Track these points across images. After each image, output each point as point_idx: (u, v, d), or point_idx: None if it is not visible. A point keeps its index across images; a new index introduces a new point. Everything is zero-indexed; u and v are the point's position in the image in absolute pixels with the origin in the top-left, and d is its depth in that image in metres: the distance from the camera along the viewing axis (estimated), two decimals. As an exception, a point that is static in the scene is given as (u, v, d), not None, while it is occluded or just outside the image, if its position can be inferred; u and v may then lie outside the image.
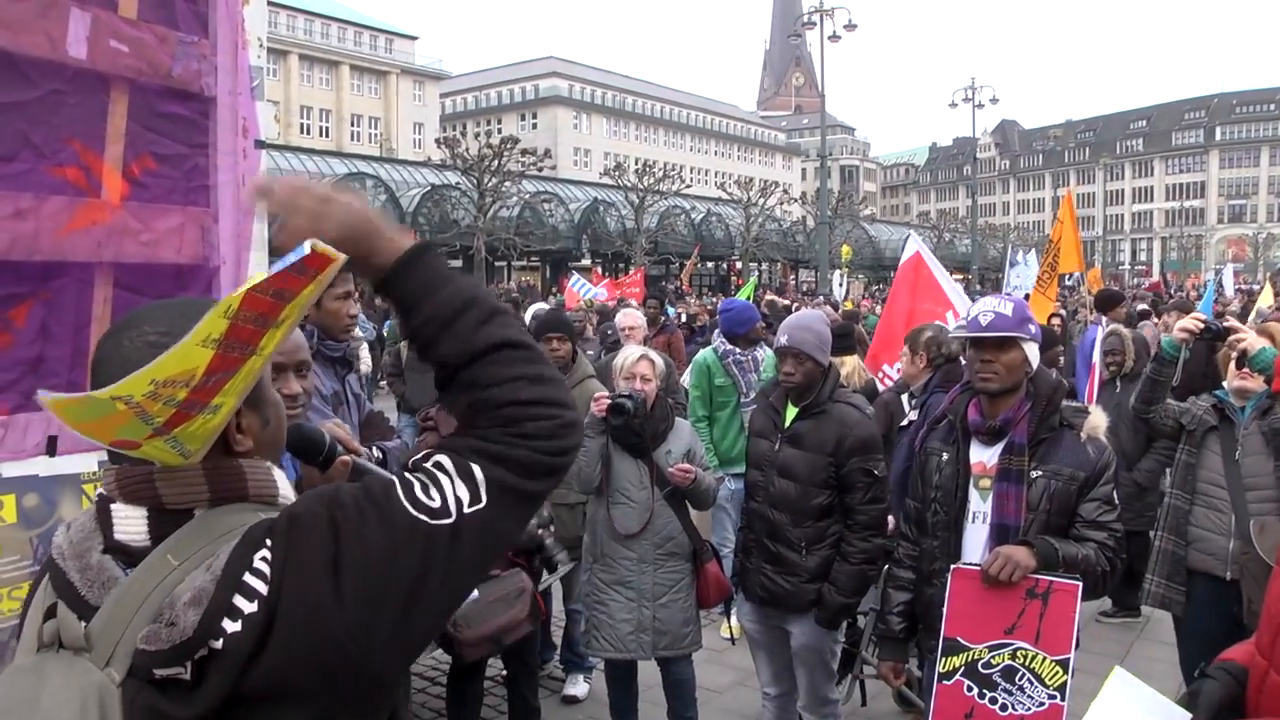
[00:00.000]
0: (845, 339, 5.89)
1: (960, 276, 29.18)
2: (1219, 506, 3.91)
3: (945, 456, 3.27)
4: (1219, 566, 3.89)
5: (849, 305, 17.42)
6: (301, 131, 57.23)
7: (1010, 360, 3.10)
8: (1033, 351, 3.16)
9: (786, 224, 53.82)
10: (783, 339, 3.79)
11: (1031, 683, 2.88)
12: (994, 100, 43.43)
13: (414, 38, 67.60)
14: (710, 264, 49.76)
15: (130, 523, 1.15)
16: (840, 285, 28.36)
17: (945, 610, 3.02)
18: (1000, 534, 3.08)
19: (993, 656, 2.93)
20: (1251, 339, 3.66)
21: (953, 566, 3.07)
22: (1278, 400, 3.79)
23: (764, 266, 50.50)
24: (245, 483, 1.20)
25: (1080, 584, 2.89)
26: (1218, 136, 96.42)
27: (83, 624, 1.08)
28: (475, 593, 2.56)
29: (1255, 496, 3.80)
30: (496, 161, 33.31)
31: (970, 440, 3.22)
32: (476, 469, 1.15)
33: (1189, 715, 2.16)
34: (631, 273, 22.75)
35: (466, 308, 1.22)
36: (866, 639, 4.63)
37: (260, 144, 2.85)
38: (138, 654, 1.04)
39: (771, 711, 4.11)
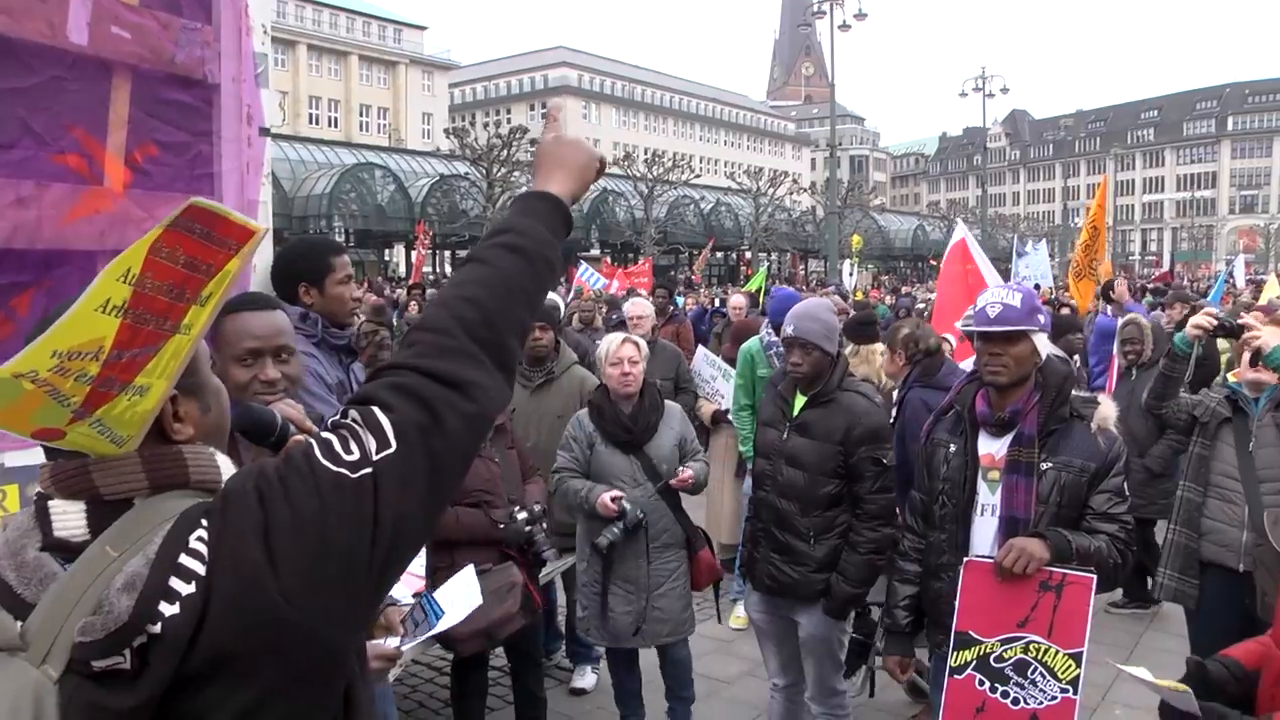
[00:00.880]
0: (868, 327, 5.73)
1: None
2: (1232, 498, 3.87)
3: (953, 448, 3.23)
4: (1232, 558, 3.86)
5: (859, 296, 17.33)
6: (310, 122, 57.20)
7: (1019, 353, 3.05)
8: (1042, 342, 3.11)
9: (796, 214, 53.71)
10: (789, 329, 3.75)
11: (1044, 676, 2.85)
12: (1004, 90, 43.33)
13: (423, 28, 67.56)
14: (720, 254, 49.67)
15: (68, 517, 1.12)
16: (850, 275, 28.28)
17: (957, 604, 2.99)
18: (1010, 527, 3.04)
19: (1005, 650, 2.90)
20: (1266, 336, 3.61)
21: (965, 559, 3.03)
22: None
23: (773, 257, 50.38)
24: (186, 469, 1.17)
25: (1095, 577, 2.86)
26: (1230, 126, 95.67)
27: (19, 624, 1.05)
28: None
29: (1269, 488, 3.77)
30: (505, 151, 33.29)
31: (978, 432, 3.19)
32: (382, 415, 1.13)
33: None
34: (640, 262, 22.71)
35: None
36: (881, 631, 4.60)
37: (265, 131, 2.84)
38: (75, 647, 1.01)
39: (779, 702, 4.09)
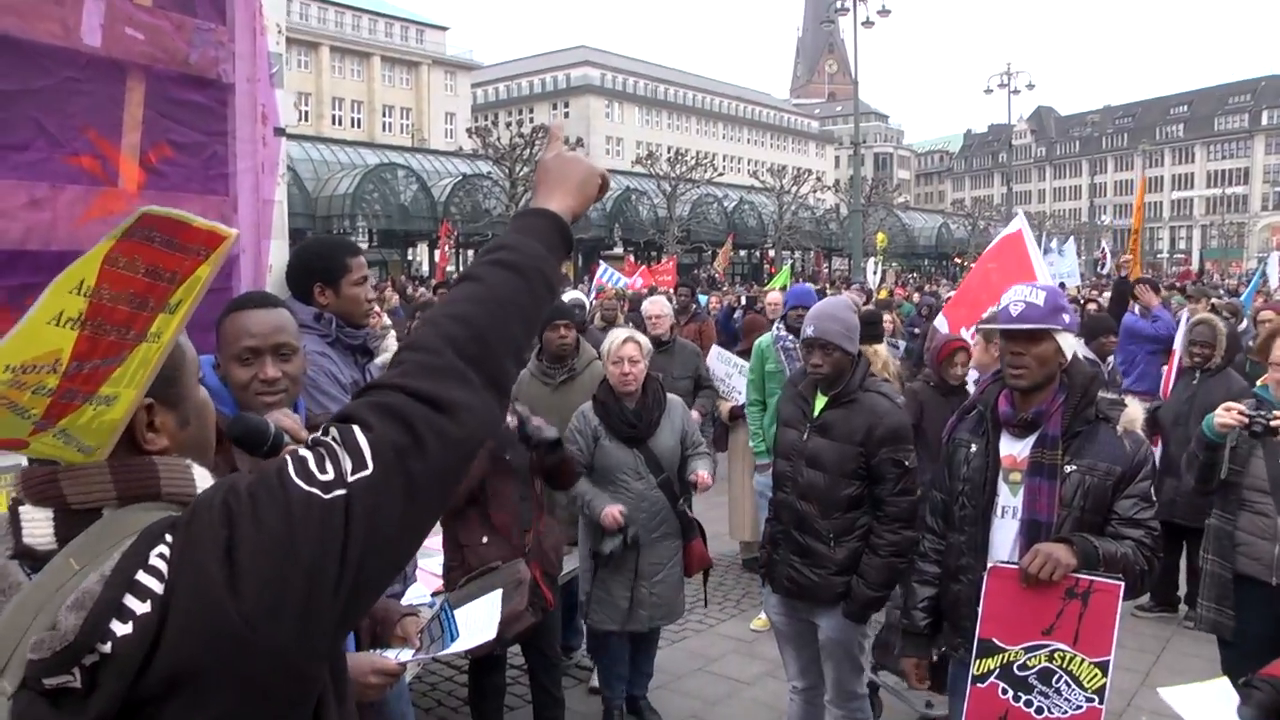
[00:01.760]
0: (872, 327, 5.74)
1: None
2: (1264, 511, 3.81)
3: (974, 448, 3.15)
4: (1264, 572, 3.80)
5: (884, 294, 17.19)
6: (333, 123, 57.53)
7: (1042, 353, 2.97)
8: (1067, 342, 3.02)
9: (820, 212, 53.51)
10: (809, 330, 3.70)
11: (1069, 685, 2.78)
12: (1030, 86, 42.81)
13: (445, 28, 67.77)
14: (743, 252, 49.53)
15: (36, 525, 1.10)
16: (874, 273, 28.11)
17: (980, 611, 2.91)
18: (1031, 530, 2.96)
19: (1029, 658, 2.83)
20: None
21: (989, 565, 2.95)
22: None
23: (797, 255, 50.21)
24: (157, 480, 1.14)
25: (1122, 583, 2.78)
26: (1264, 121, 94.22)
27: None
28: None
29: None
30: (528, 151, 33.34)
31: (1000, 432, 3.12)
32: (361, 435, 1.09)
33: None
34: (664, 261, 22.72)
35: None
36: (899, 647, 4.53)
37: (280, 131, 2.83)
38: (28, 664, 0.98)
39: (798, 704, 4.05)
